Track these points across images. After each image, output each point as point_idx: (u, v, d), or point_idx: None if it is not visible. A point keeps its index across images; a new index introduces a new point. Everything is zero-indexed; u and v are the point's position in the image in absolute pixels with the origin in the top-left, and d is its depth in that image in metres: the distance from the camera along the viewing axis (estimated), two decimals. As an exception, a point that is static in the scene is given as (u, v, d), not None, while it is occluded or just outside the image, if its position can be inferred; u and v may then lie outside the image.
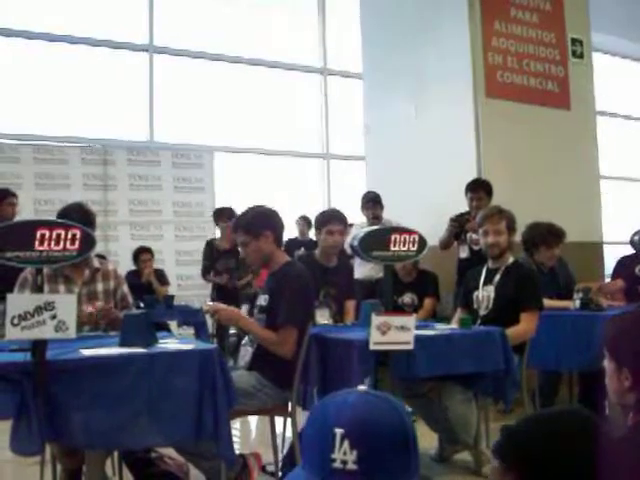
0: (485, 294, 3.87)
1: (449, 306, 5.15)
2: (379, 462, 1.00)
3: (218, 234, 6.80)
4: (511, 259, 3.95)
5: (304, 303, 3.21)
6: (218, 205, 7.15)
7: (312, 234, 7.84)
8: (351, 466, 0.99)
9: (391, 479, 1.00)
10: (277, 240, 3.31)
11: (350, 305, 4.23)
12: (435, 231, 5.17)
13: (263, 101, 8.83)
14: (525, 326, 3.71)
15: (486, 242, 3.94)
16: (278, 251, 3.32)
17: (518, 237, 4.96)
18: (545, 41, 6.42)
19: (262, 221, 3.28)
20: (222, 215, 6.46)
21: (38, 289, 2.49)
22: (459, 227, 5.25)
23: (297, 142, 9.17)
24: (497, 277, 3.87)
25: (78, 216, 3.01)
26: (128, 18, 8.11)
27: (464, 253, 5.25)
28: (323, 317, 3.78)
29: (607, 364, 1.59)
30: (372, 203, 5.73)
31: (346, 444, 0.99)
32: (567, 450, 1.00)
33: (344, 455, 0.99)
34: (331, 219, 4.15)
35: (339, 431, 1.00)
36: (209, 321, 6.18)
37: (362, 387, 1.10)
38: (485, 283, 3.90)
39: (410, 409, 3.68)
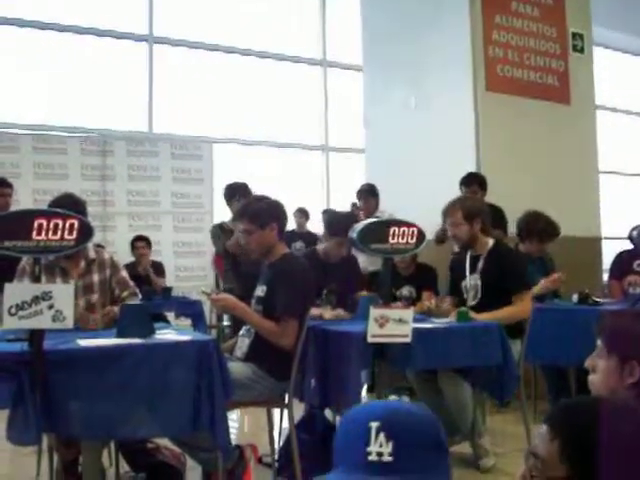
0: (472, 283, 3.86)
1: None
2: (415, 454, 1.00)
3: (228, 215, 5.81)
4: (490, 243, 3.90)
5: (303, 294, 3.20)
6: (216, 193, 6.74)
7: (310, 226, 7.85)
8: (387, 458, 0.98)
9: (425, 472, 1.00)
10: (280, 232, 3.32)
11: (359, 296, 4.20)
12: (434, 224, 5.17)
13: (262, 93, 8.80)
14: (518, 307, 3.70)
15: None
16: (279, 243, 3.32)
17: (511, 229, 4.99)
18: (546, 35, 6.41)
19: (270, 212, 3.28)
20: (236, 192, 5.56)
21: (36, 279, 2.48)
22: None
23: (296, 134, 9.15)
24: (480, 264, 3.86)
25: (70, 206, 2.96)
26: (128, 8, 8.08)
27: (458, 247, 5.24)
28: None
29: (603, 361, 1.57)
30: (364, 194, 5.73)
31: (382, 436, 0.98)
32: (614, 439, 0.99)
33: (380, 447, 0.98)
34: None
35: (374, 424, 0.99)
36: (207, 312, 6.18)
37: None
38: (471, 271, 3.90)
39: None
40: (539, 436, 1.04)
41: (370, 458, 0.98)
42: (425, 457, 1.00)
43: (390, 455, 0.98)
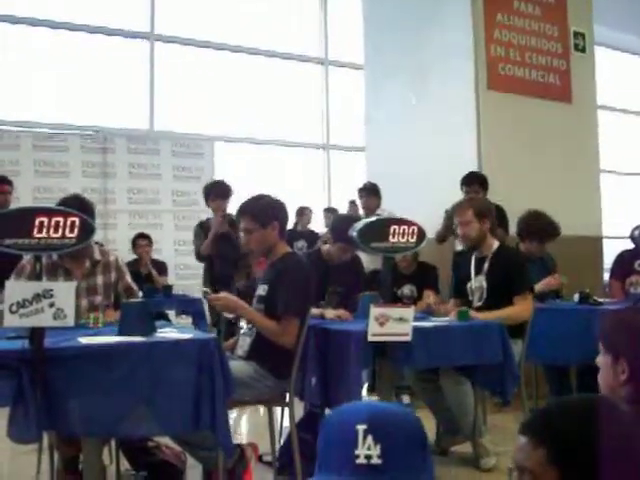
0: (477, 284, 3.86)
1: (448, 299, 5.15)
2: (402, 455, 1.00)
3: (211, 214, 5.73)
4: (496, 244, 3.91)
5: (305, 293, 3.19)
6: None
7: (311, 225, 7.84)
8: (376, 460, 0.98)
9: (413, 473, 1.00)
10: (281, 232, 3.30)
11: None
12: (435, 223, 5.17)
13: (264, 91, 8.80)
14: (519, 308, 3.71)
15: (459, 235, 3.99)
16: (280, 242, 3.31)
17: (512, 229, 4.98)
18: (547, 34, 6.40)
19: (271, 211, 3.25)
20: (214, 190, 5.50)
21: (37, 277, 2.48)
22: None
23: (297, 132, 9.15)
24: (486, 265, 3.86)
25: (77, 207, 2.95)
26: (129, 5, 8.08)
27: (460, 246, 5.24)
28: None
29: (601, 359, 1.59)
30: (366, 192, 5.73)
31: (369, 439, 0.99)
32: (599, 431, 0.99)
33: (368, 450, 0.98)
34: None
35: (361, 427, 0.99)
36: (207, 310, 6.18)
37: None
38: (476, 273, 3.90)
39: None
40: (519, 449, 1.04)
41: (358, 461, 0.98)
42: (412, 457, 1.01)
43: (379, 457, 0.98)
